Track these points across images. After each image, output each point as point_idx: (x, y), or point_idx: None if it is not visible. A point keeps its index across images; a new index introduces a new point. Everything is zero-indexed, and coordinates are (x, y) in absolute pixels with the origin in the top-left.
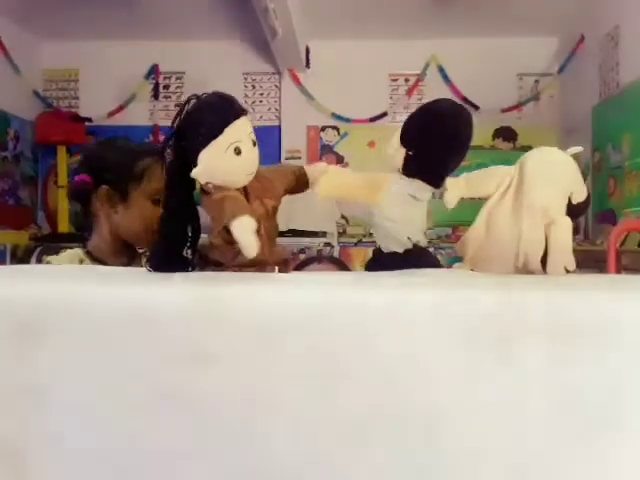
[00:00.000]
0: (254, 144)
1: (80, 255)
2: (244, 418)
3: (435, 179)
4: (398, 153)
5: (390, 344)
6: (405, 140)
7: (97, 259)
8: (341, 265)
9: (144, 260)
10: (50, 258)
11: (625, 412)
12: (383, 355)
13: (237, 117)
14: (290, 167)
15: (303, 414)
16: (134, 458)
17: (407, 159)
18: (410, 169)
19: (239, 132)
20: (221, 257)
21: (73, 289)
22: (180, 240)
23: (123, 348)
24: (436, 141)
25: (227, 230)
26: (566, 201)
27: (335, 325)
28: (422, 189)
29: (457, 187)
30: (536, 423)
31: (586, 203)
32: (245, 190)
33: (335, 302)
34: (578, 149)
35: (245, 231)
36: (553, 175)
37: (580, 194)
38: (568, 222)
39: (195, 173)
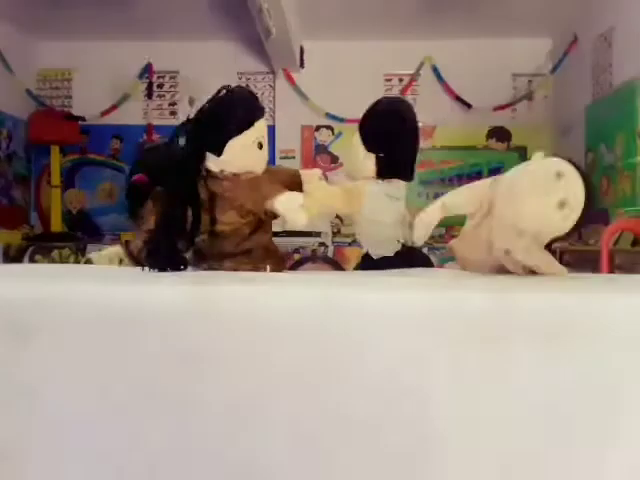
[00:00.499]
0: (266, 142)
1: (121, 255)
2: (241, 417)
3: (409, 174)
4: (367, 160)
5: (385, 343)
6: (371, 146)
7: (137, 260)
8: (335, 265)
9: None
10: (91, 255)
11: (620, 410)
12: (379, 354)
13: (262, 115)
14: (286, 170)
15: (300, 413)
16: (129, 457)
17: (379, 163)
18: (383, 171)
19: (262, 129)
20: (228, 244)
21: (66, 288)
22: (182, 228)
23: (117, 347)
24: (402, 139)
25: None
26: (549, 209)
27: (330, 325)
28: (397, 187)
29: (426, 224)
30: (531, 421)
31: (587, 207)
32: None
33: (331, 302)
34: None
35: (293, 204)
36: (521, 189)
37: (572, 200)
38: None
39: (222, 161)
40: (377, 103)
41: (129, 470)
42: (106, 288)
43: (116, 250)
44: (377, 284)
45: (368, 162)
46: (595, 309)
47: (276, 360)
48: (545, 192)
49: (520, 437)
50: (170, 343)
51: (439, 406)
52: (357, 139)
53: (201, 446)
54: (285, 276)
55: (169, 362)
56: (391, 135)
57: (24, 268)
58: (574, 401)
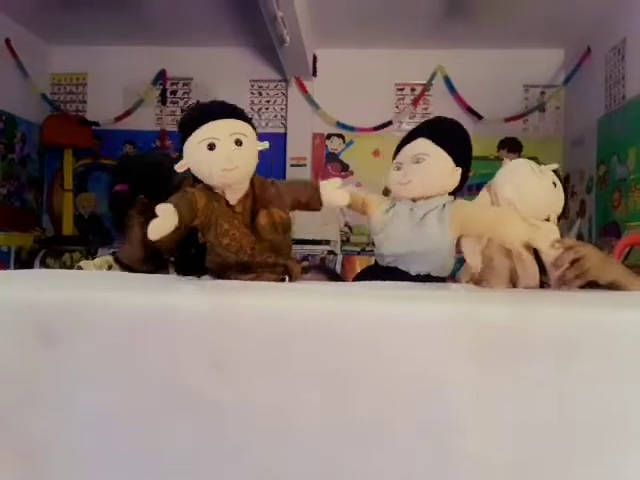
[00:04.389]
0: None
1: (109, 262)
2: (258, 421)
3: None
4: (455, 173)
5: (403, 355)
6: (461, 160)
7: (126, 266)
8: (332, 275)
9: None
10: (82, 263)
11: (634, 423)
12: (395, 365)
13: (214, 118)
14: (302, 181)
15: (315, 418)
16: (151, 459)
17: (462, 178)
18: (460, 186)
19: (214, 131)
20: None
21: (95, 293)
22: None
23: (142, 352)
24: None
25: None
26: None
27: (348, 334)
28: None
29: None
30: (546, 434)
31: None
32: (254, 197)
33: (348, 313)
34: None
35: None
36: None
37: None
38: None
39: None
40: (447, 119)
41: (150, 471)
42: (135, 295)
43: (105, 258)
44: (397, 296)
45: (455, 176)
46: (611, 324)
47: (297, 369)
48: (541, 178)
49: (537, 450)
50: (196, 350)
51: (458, 418)
52: (438, 150)
53: (220, 448)
54: (306, 286)
55: (195, 368)
56: (469, 152)
57: (50, 273)
58: (590, 413)
